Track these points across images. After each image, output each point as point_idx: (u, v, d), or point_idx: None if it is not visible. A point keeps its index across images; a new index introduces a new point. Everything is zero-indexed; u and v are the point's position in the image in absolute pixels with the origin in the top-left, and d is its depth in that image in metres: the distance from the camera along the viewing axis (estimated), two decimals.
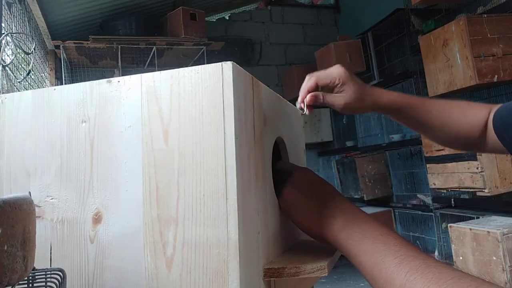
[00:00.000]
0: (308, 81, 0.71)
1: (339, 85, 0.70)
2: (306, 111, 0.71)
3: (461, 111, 0.74)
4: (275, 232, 0.55)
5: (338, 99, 0.71)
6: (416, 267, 0.41)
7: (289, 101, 0.71)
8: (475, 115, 0.72)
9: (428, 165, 2.85)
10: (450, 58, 2.66)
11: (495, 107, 0.70)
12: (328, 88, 0.71)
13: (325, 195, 0.54)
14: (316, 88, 0.72)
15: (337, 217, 0.51)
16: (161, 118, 0.47)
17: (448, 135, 0.75)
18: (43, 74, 3.28)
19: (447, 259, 2.92)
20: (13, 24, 2.29)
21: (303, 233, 0.56)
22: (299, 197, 0.55)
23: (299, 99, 0.71)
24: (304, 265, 0.49)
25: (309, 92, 0.71)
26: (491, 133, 0.69)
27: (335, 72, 0.71)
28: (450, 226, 2.49)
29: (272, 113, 0.58)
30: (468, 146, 0.78)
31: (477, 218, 2.60)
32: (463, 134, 0.73)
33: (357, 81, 0.72)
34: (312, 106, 0.71)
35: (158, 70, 0.48)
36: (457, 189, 2.73)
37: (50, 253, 0.50)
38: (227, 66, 0.44)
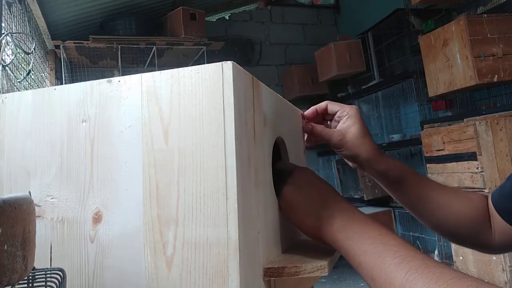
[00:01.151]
0: (320, 104, 0.70)
1: (346, 117, 0.67)
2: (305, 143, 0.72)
3: (462, 195, 0.69)
4: (275, 232, 0.55)
5: (337, 133, 0.67)
6: (415, 267, 0.41)
7: (289, 101, 0.71)
8: (475, 201, 0.68)
9: (428, 165, 2.85)
10: (450, 58, 2.66)
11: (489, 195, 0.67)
12: (334, 120, 0.69)
13: (324, 196, 0.54)
14: (325, 112, 0.70)
15: (336, 217, 0.51)
16: (161, 118, 0.47)
17: (446, 218, 0.68)
18: (43, 74, 3.28)
19: (447, 259, 2.92)
20: (13, 24, 2.29)
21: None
22: (298, 197, 0.55)
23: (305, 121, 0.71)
24: (304, 264, 0.49)
25: (317, 111, 0.70)
26: (496, 218, 0.64)
27: (350, 106, 0.68)
28: None
29: (272, 113, 0.58)
30: (474, 239, 0.68)
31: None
32: (465, 219, 0.67)
33: (365, 128, 0.68)
34: (316, 136, 0.69)
35: (158, 70, 0.48)
36: None
37: (50, 253, 0.50)
38: (227, 66, 0.44)
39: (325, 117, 0.73)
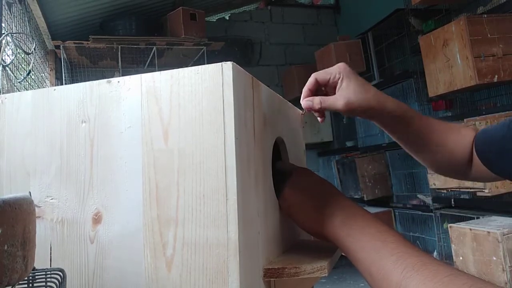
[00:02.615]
0: (309, 80, 0.67)
1: (340, 79, 0.64)
2: (304, 112, 0.68)
3: (456, 132, 0.72)
4: (275, 232, 0.55)
5: (339, 98, 0.64)
6: (412, 264, 0.42)
7: (289, 101, 0.71)
8: (466, 136, 0.71)
9: None
10: (450, 58, 2.66)
11: (476, 131, 0.70)
12: (330, 87, 0.66)
13: (325, 194, 0.54)
14: (317, 86, 0.67)
15: (337, 215, 0.51)
16: (161, 118, 0.47)
17: (442, 156, 0.72)
18: (43, 74, 3.28)
19: (447, 259, 2.92)
20: (13, 24, 2.29)
21: (303, 233, 0.57)
22: (299, 196, 0.55)
23: (301, 100, 0.68)
24: (304, 265, 0.49)
25: (310, 91, 0.67)
26: (476, 157, 0.68)
27: (335, 67, 0.66)
28: (450, 226, 2.49)
29: (272, 113, 0.58)
30: (458, 172, 0.75)
31: (477, 218, 2.60)
32: (456, 156, 0.71)
33: (360, 78, 0.67)
34: (319, 111, 0.66)
35: (158, 70, 0.48)
36: (457, 189, 2.74)
37: (50, 253, 0.50)
38: (227, 66, 0.44)
39: (321, 90, 0.70)
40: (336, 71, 0.65)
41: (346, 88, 0.64)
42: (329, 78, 0.65)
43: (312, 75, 0.67)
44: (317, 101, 0.65)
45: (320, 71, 0.67)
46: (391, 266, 0.43)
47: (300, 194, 0.55)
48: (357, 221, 0.50)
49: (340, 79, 0.64)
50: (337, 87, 0.65)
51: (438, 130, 0.70)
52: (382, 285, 0.43)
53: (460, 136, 0.71)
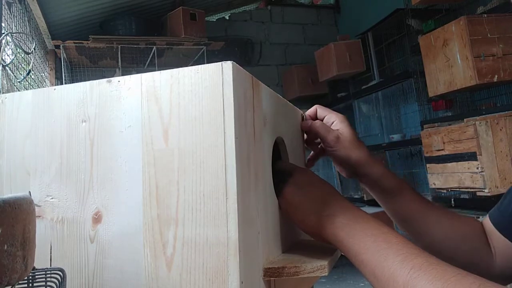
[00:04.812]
0: (311, 109, 0.70)
1: (335, 122, 0.67)
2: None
3: (456, 218, 0.66)
4: (275, 231, 0.55)
5: (332, 131, 0.66)
6: (419, 264, 0.41)
7: (289, 101, 0.71)
8: (471, 222, 0.65)
9: (428, 165, 2.85)
10: (450, 58, 2.66)
11: (483, 218, 0.64)
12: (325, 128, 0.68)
13: (325, 195, 0.54)
14: (314, 116, 0.70)
15: (337, 216, 0.51)
16: (161, 118, 0.47)
17: (443, 241, 0.65)
18: (43, 74, 3.28)
19: None
20: (13, 24, 2.29)
21: (303, 233, 0.56)
22: (299, 196, 0.55)
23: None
24: (304, 264, 0.49)
25: (309, 116, 0.70)
26: (497, 240, 0.61)
27: (335, 112, 0.69)
28: None
29: (272, 113, 0.58)
30: (472, 266, 0.61)
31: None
32: (463, 242, 0.64)
33: (357, 135, 0.67)
34: (309, 130, 0.68)
35: (158, 70, 0.48)
36: (457, 189, 2.73)
37: (50, 253, 0.50)
38: (227, 66, 0.44)
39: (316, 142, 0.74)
40: (336, 116, 0.68)
41: (341, 130, 0.67)
42: (326, 116, 0.68)
43: (315, 106, 0.71)
44: (317, 123, 0.68)
45: (324, 108, 0.70)
46: (397, 267, 0.42)
47: (300, 194, 0.55)
48: (359, 222, 0.49)
49: (337, 122, 0.67)
50: (332, 126, 0.68)
51: (437, 211, 0.66)
52: (387, 287, 0.43)
53: (466, 223, 0.66)
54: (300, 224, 0.55)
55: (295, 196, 0.55)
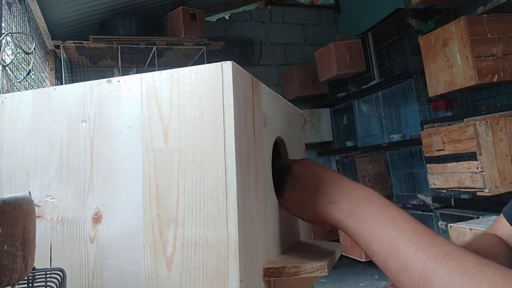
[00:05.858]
0: None
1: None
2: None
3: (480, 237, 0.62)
4: (275, 232, 0.55)
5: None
6: (435, 255, 0.39)
7: (289, 101, 0.71)
8: (492, 240, 0.62)
9: (428, 165, 2.85)
10: (450, 58, 2.66)
11: (495, 225, 0.62)
12: None
13: (325, 182, 0.52)
14: None
15: (340, 202, 0.49)
16: (161, 118, 0.47)
17: None
18: (43, 74, 3.28)
19: None
20: (13, 24, 2.29)
21: (303, 233, 0.56)
22: (298, 192, 0.54)
23: None
24: (304, 264, 0.49)
25: None
26: None
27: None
28: (450, 226, 2.49)
29: (272, 113, 0.58)
30: None
31: (477, 218, 2.60)
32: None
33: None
34: None
35: (158, 70, 0.48)
36: (457, 189, 2.73)
37: (50, 253, 0.50)
38: (227, 66, 0.44)
39: None
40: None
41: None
42: None
43: None
44: None
45: None
46: (410, 257, 0.41)
47: (299, 189, 0.54)
48: (364, 208, 0.47)
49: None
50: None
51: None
52: (401, 277, 0.41)
53: (488, 238, 0.62)
54: (304, 218, 0.54)
55: (294, 192, 0.54)
